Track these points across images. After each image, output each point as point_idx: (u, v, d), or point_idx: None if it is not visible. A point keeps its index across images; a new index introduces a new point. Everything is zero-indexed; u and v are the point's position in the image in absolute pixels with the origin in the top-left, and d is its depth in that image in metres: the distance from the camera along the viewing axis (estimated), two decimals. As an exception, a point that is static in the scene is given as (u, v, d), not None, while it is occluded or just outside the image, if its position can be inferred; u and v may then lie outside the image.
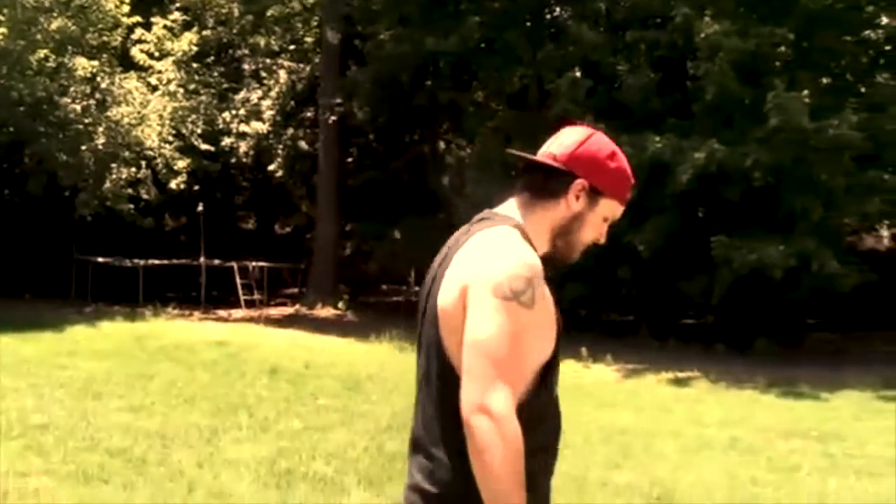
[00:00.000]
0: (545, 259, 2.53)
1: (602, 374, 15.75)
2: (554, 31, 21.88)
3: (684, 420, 11.17)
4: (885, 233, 31.45)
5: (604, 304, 22.43)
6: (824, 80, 19.86)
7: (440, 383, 2.47)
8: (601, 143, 2.62)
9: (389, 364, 14.85)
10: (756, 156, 16.51)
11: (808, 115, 16.40)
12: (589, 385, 14.18)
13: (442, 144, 29.39)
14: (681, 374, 15.42)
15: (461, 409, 2.28)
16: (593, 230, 2.64)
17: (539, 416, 2.46)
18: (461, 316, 2.38)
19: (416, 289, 30.40)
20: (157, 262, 24.70)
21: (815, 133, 16.42)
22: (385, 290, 32.34)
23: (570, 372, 15.50)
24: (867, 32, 20.15)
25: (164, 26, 24.36)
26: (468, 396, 2.28)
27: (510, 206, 2.60)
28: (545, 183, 2.59)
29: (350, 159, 28.52)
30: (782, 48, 18.36)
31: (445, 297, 2.45)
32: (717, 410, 12.11)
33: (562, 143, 2.60)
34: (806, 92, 16.61)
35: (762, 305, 19.16)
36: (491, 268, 2.37)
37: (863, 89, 20.13)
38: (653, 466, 8.49)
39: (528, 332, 2.36)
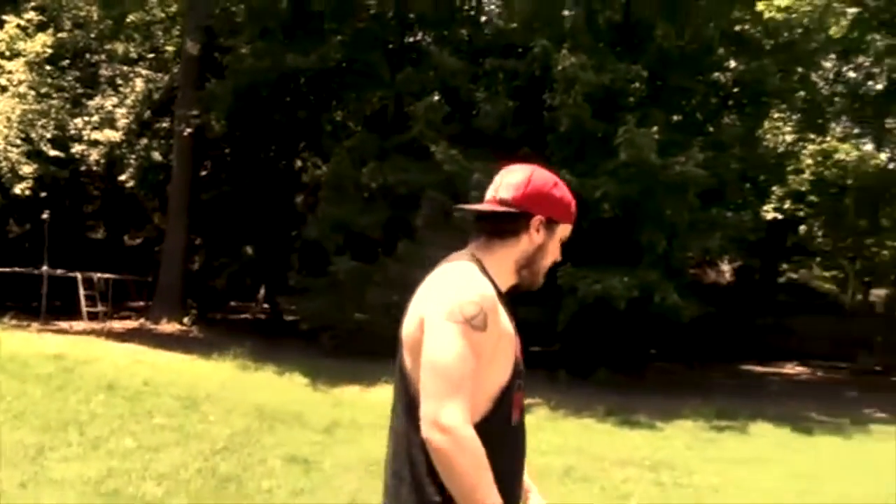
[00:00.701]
0: (511, 291, 2.84)
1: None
2: (415, 56, 21.99)
3: (523, 448, 11.19)
4: (725, 267, 32.56)
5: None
6: (675, 118, 20.41)
7: (404, 408, 2.69)
8: (544, 176, 2.85)
9: (230, 383, 14.63)
10: (606, 188, 16.85)
11: (657, 151, 16.84)
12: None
13: (299, 162, 29.21)
14: (523, 402, 15.54)
15: (420, 428, 2.50)
16: (552, 255, 2.89)
17: (501, 441, 2.63)
18: (420, 345, 2.60)
19: (266, 306, 30.21)
20: (-4, 269, 23.81)
21: (663, 169, 16.86)
22: (234, 306, 31.95)
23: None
24: (717, 75, 20.83)
25: (18, 25, 23.57)
26: (424, 414, 2.50)
27: (468, 249, 2.82)
28: (503, 225, 2.80)
29: (204, 172, 28.02)
30: (636, 84, 18.82)
31: (408, 328, 2.69)
32: (555, 438, 12.19)
33: (508, 185, 2.81)
34: (656, 128, 17.03)
35: (606, 335, 19.52)
36: (445, 296, 2.60)
37: (710, 129, 20.78)
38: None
39: (481, 354, 2.56)
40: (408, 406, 2.65)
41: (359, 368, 17.25)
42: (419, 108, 19.03)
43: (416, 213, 18.73)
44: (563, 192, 2.86)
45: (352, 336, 20.83)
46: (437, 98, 19.28)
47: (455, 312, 2.54)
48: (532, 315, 17.85)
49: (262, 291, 31.08)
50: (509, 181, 2.82)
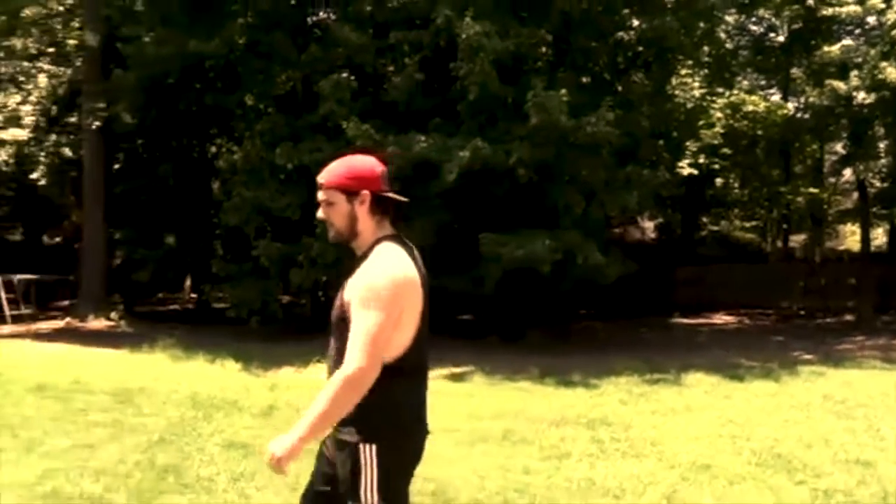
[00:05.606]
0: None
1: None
2: (320, 34, 21.87)
3: (460, 415, 11.30)
4: (648, 224, 32.99)
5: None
6: (583, 80, 20.56)
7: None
8: None
9: (162, 374, 14.49)
10: (519, 153, 16.99)
11: (567, 114, 16.98)
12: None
13: (213, 149, 28.88)
14: (456, 370, 15.65)
15: None
16: None
17: None
18: None
19: (193, 295, 29.95)
20: (-87, 277, 23.24)
21: (574, 130, 17.01)
22: (161, 297, 31.66)
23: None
24: (621, 34, 21.02)
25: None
26: None
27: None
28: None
29: (117, 165, 27.61)
30: (542, 49, 18.95)
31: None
32: (492, 403, 12.34)
33: None
34: (564, 91, 17.16)
35: (533, 298, 19.71)
36: None
37: (619, 88, 20.98)
38: (429, 463, 8.58)
39: None
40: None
41: (291, 350, 17.26)
42: (327, 85, 18.95)
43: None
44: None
45: (280, 318, 20.82)
46: (344, 75, 19.22)
47: None
48: (457, 284, 18.02)
49: (189, 281, 30.87)
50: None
